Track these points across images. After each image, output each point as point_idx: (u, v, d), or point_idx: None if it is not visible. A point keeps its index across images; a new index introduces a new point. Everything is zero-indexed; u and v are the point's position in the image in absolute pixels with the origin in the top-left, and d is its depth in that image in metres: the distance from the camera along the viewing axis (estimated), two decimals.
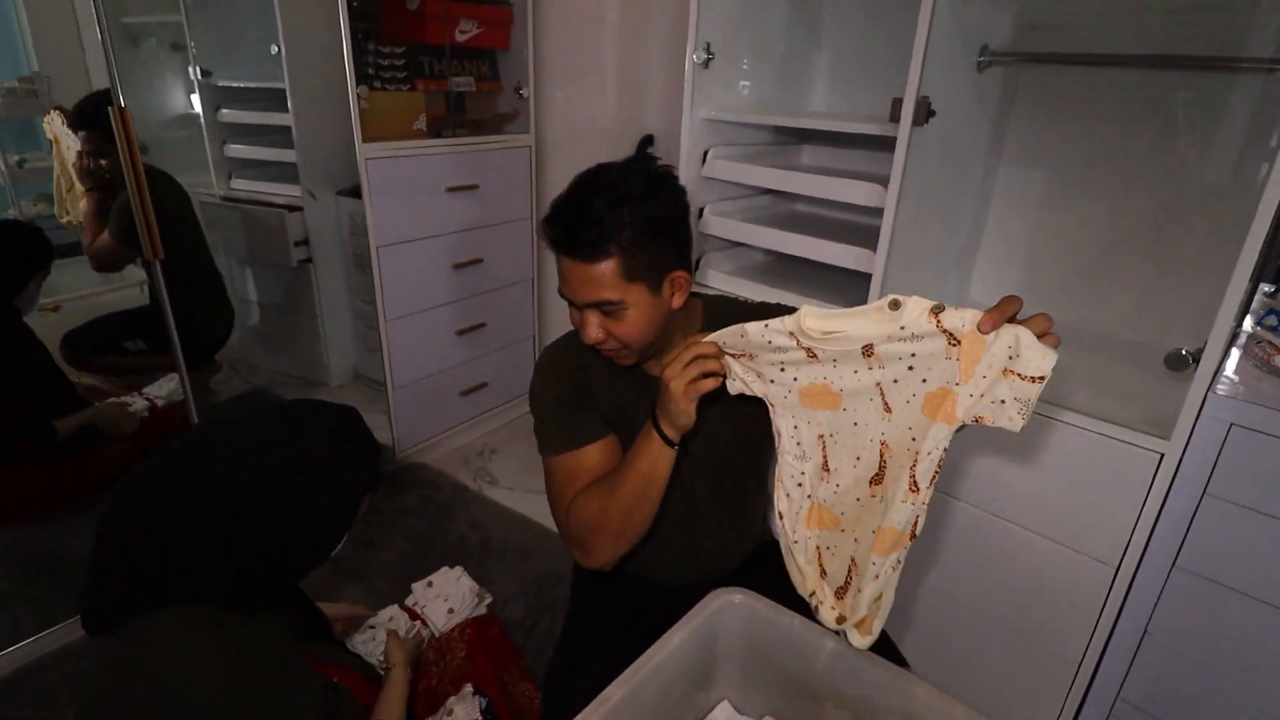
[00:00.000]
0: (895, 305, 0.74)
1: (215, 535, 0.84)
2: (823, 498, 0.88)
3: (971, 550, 1.44)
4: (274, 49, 2.16)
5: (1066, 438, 1.26)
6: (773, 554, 0.98)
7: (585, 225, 0.92)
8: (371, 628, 1.29)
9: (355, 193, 2.16)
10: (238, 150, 2.42)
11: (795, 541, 0.89)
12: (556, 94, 2.48)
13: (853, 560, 0.86)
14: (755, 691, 0.99)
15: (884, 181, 1.35)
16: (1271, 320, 1.30)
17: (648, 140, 1.95)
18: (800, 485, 0.88)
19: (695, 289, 1.07)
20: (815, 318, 0.79)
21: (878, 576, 0.82)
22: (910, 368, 0.76)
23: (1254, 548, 1.14)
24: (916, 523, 0.79)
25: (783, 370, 0.83)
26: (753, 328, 0.82)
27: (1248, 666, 1.20)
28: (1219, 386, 1.12)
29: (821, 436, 0.85)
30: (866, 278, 1.42)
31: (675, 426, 0.92)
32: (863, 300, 1.43)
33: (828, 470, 0.86)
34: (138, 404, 1.93)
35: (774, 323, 0.81)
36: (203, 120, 2.35)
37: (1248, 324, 1.34)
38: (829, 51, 1.85)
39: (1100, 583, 1.28)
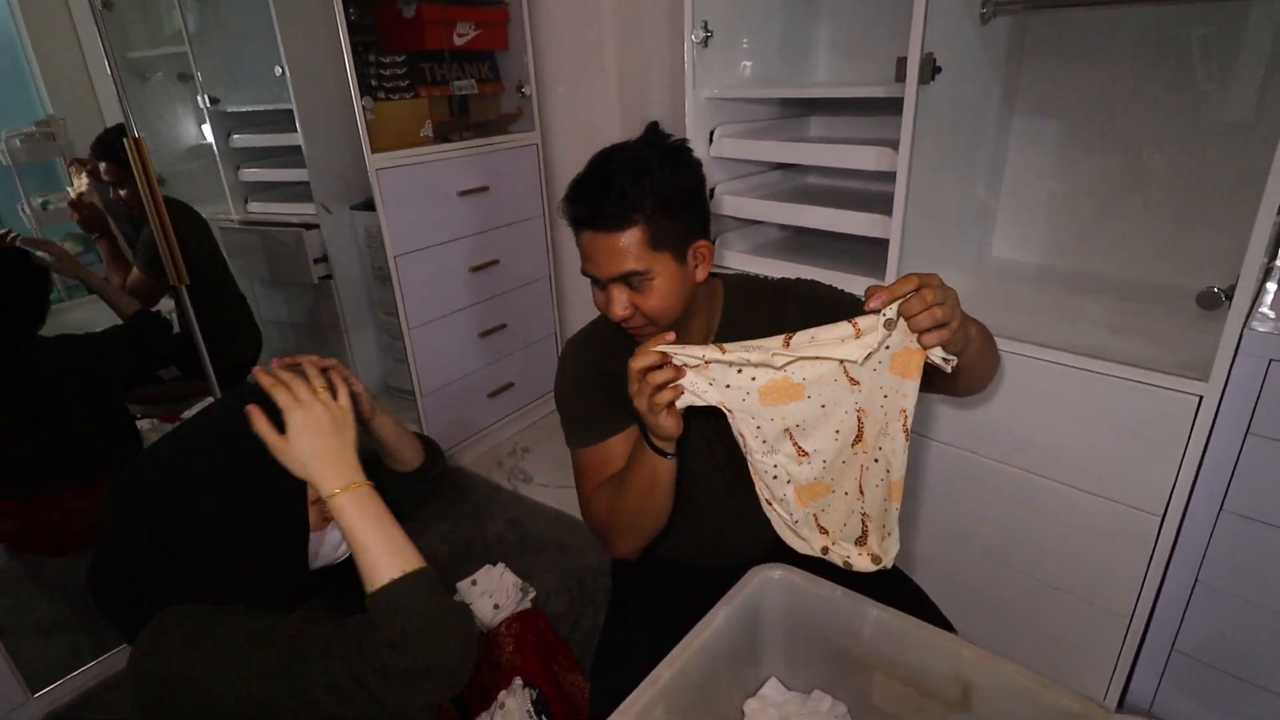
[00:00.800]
0: (890, 325, 0.78)
1: (185, 537, 0.84)
2: (806, 478, 0.88)
3: (1013, 509, 1.42)
4: (278, 70, 2.18)
5: (1102, 388, 1.23)
6: None
7: (608, 197, 0.93)
8: None
9: (368, 206, 2.18)
10: (252, 174, 2.46)
11: (796, 520, 0.91)
12: (559, 89, 2.48)
13: (865, 515, 0.90)
14: (802, 666, 0.99)
15: (895, 145, 1.33)
16: None
17: (653, 127, 1.94)
18: (777, 477, 0.88)
19: (713, 270, 1.06)
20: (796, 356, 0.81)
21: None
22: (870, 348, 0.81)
23: None
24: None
25: (740, 372, 0.83)
26: (717, 371, 0.83)
27: None
28: (1255, 323, 1.09)
29: (788, 429, 0.86)
30: (884, 245, 1.40)
31: (661, 439, 0.91)
32: (882, 271, 1.42)
33: (805, 454, 0.87)
34: None
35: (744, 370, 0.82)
36: (215, 148, 2.38)
37: None
38: (829, 19, 1.82)
39: (1147, 533, 1.26)
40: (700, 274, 1.01)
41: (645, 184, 0.93)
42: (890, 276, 1.40)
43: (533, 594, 1.49)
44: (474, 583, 1.45)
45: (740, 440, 0.87)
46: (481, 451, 2.61)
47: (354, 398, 0.93)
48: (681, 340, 0.85)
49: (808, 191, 1.88)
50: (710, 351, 0.82)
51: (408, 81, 2.14)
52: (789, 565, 0.96)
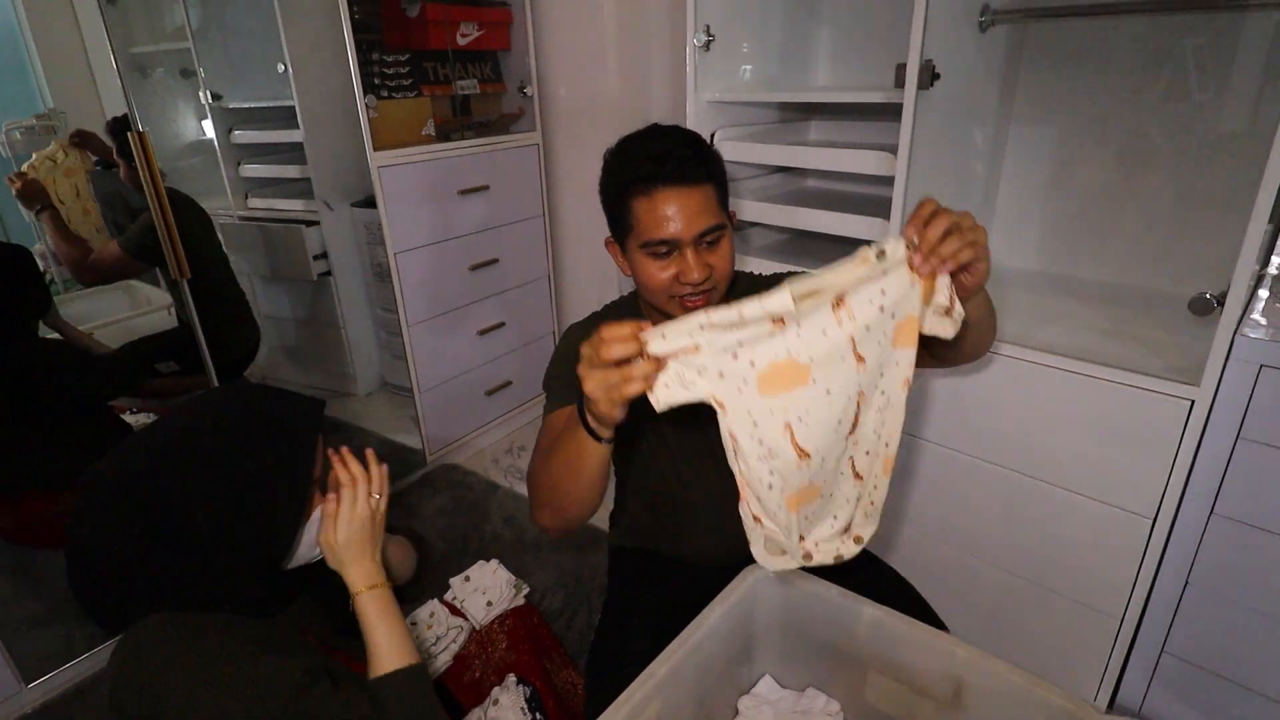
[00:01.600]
0: (882, 255, 0.73)
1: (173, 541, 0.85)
2: (799, 483, 0.81)
3: (1005, 511, 1.43)
4: (281, 67, 2.19)
5: (1095, 392, 1.24)
6: None
7: (693, 149, 0.96)
8: (414, 624, 1.31)
9: (368, 203, 2.19)
10: (253, 170, 2.46)
11: (786, 527, 0.83)
12: (560, 90, 2.49)
13: (860, 501, 0.87)
14: (796, 663, 1.00)
15: (894, 150, 1.34)
16: None
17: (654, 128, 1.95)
18: (772, 486, 0.79)
19: None
20: (799, 284, 0.71)
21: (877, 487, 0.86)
22: (881, 308, 0.75)
23: None
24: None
25: (736, 357, 0.73)
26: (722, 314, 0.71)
27: None
28: (1246, 329, 1.10)
29: (788, 424, 0.76)
30: None
31: (599, 421, 0.80)
32: None
33: (805, 455, 0.78)
34: None
35: (752, 307, 0.70)
36: (216, 143, 2.39)
37: (1273, 265, 1.32)
38: (829, 24, 1.84)
39: (1138, 536, 1.27)
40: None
41: (705, 149, 0.98)
42: None
43: (526, 590, 1.50)
44: (467, 578, 1.46)
45: (729, 443, 0.76)
46: (478, 449, 2.62)
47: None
48: None
49: (807, 195, 1.90)
50: (700, 316, 0.70)
51: (411, 80, 2.14)
52: None
